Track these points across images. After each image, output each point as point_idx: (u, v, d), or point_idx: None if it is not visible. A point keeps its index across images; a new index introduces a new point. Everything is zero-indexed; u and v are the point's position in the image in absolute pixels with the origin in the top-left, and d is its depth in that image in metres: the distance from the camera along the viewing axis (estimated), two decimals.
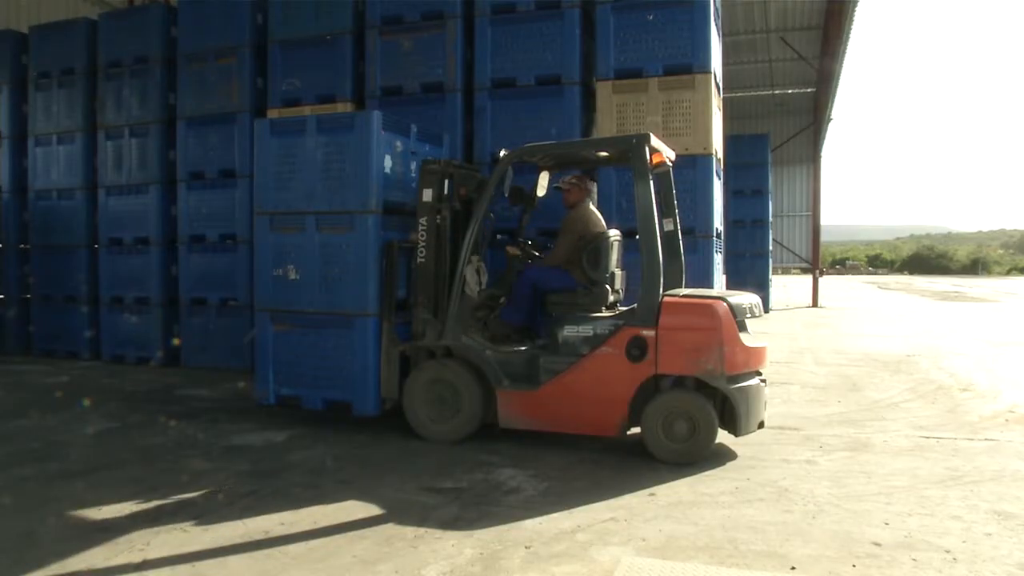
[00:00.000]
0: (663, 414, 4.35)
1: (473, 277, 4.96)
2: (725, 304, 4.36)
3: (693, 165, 5.97)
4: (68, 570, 2.92)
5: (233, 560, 3.01)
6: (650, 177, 4.54)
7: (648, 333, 4.37)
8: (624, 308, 4.92)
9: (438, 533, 3.26)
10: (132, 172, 8.37)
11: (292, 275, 5.26)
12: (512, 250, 5.30)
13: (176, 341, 8.08)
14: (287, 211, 5.29)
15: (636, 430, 4.51)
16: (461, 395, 4.80)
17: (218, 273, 7.88)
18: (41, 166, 8.96)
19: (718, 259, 6.37)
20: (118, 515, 3.50)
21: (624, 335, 4.43)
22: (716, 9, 6.44)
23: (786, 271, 28.77)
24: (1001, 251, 60.60)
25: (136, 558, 3.01)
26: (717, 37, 6.52)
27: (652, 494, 3.78)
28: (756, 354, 4.49)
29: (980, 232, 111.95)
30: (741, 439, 4.53)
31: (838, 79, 16.24)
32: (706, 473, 4.14)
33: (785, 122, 21.74)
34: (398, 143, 5.30)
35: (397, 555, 3.04)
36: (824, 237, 19.63)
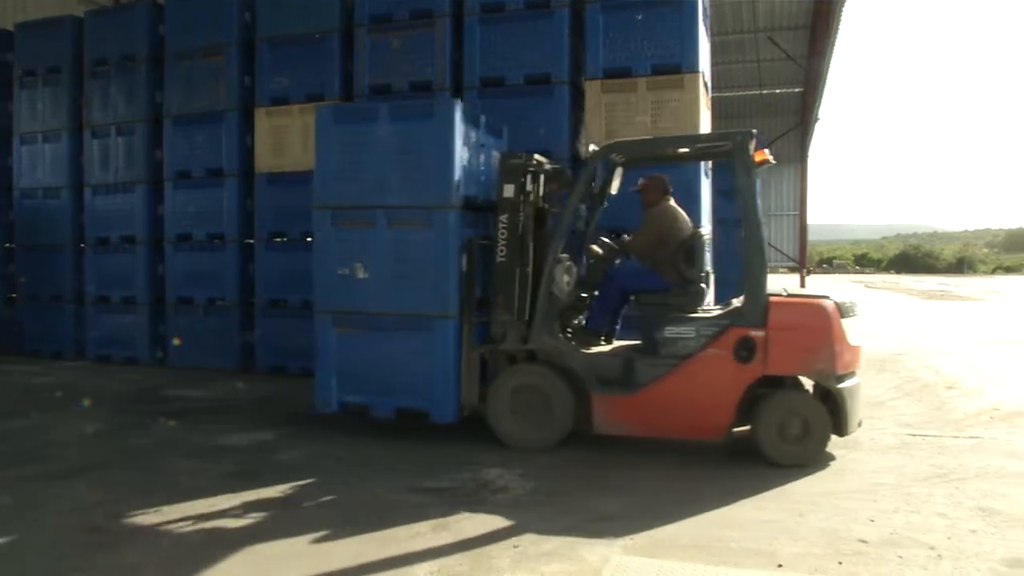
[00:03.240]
0: (778, 415, 4.25)
1: (563, 277, 4.65)
2: (833, 303, 4.32)
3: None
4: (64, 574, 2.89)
5: (226, 560, 3.00)
6: (754, 174, 4.50)
7: (757, 333, 4.26)
8: (716, 308, 4.79)
9: (427, 532, 3.26)
10: (119, 171, 8.31)
11: (360, 274, 4.87)
12: (595, 248, 5.02)
13: (176, 342, 7.97)
14: (353, 205, 4.93)
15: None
16: (552, 401, 4.56)
17: (205, 272, 7.84)
18: (27, 165, 8.89)
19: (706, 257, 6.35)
20: (112, 517, 3.46)
21: (731, 335, 4.29)
22: (704, 9, 6.46)
23: (773, 270, 28.83)
24: (986, 250, 61.04)
25: (134, 559, 3.00)
26: (706, 37, 6.54)
27: (641, 492, 3.79)
28: (857, 353, 4.45)
29: (966, 231, 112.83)
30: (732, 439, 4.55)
31: (825, 79, 16.36)
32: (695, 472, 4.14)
33: (773, 122, 21.84)
34: (472, 134, 4.99)
35: (386, 554, 3.04)
36: (811, 236, 19.77)
